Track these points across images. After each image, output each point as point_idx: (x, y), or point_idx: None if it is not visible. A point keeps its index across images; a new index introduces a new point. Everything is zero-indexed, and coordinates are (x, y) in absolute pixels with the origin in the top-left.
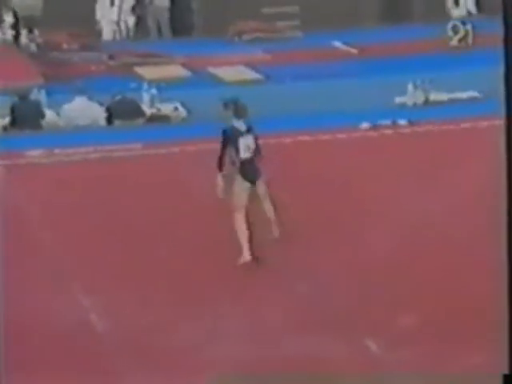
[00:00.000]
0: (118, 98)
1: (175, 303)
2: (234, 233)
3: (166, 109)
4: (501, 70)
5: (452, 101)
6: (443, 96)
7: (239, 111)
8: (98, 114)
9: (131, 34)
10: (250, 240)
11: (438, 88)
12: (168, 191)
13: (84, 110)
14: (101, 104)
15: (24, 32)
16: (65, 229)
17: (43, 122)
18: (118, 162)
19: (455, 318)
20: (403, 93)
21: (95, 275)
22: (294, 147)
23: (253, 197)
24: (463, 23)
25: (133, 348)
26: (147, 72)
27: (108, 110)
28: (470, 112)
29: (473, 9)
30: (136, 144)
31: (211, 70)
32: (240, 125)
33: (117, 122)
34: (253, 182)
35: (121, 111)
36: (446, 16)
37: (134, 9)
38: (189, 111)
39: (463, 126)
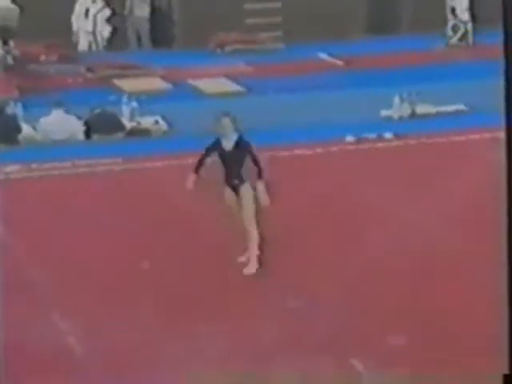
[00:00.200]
0: (97, 111)
1: (158, 323)
2: (219, 246)
3: (147, 122)
4: (488, 82)
5: (439, 114)
6: (430, 109)
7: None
8: (76, 127)
9: (107, 44)
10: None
11: (425, 101)
12: (149, 207)
13: (61, 123)
14: (79, 117)
15: None
16: (42, 246)
17: (20, 137)
18: (97, 177)
19: (448, 338)
20: (389, 106)
21: (75, 296)
22: (276, 161)
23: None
24: (463, 22)
25: (112, 371)
26: (126, 84)
27: (86, 123)
28: (457, 125)
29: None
30: (116, 158)
31: (192, 82)
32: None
33: (95, 136)
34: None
35: (100, 125)
36: (432, 28)
37: (109, 19)
38: (170, 124)
39: (450, 139)
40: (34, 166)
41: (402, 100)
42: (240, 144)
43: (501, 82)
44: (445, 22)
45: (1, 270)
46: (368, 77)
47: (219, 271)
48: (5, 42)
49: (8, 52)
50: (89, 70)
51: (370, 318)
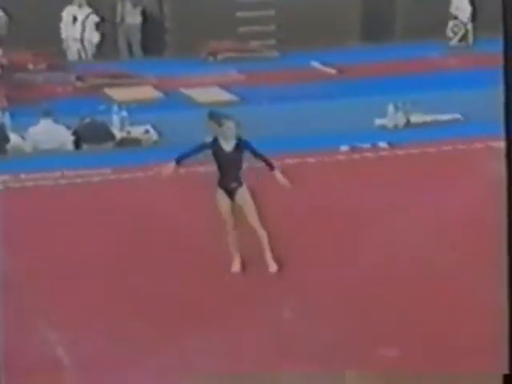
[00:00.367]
0: (86, 120)
1: (148, 334)
2: (212, 257)
3: (137, 132)
4: (484, 91)
5: (434, 123)
6: (425, 118)
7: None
8: (65, 137)
9: (97, 52)
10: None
11: (420, 110)
12: (140, 217)
13: (50, 133)
14: (68, 127)
15: None
16: (30, 256)
17: (8, 147)
18: (86, 188)
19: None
20: (383, 115)
21: (63, 307)
22: (269, 170)
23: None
24: (463, 22)
25: (100, 381)
26: (117, 93)
27: (75, 133)
28: (453, 134)
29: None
30: (105, 169)
31: (184, 91)
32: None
33: (85, 146)
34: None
35: (89, 134)
36: (427, 36)
37: (98, 26)
38: (160, 134)
39: (445, 148)
40: (22, 176)
41: (396, 109)
42: (240, 145)
43: (497, 91)
44: (439, 29)
45: None
46: (361, 85)
47: (212, 283)
48: None
49: None
50: (78, 78)
51: (364, 329)
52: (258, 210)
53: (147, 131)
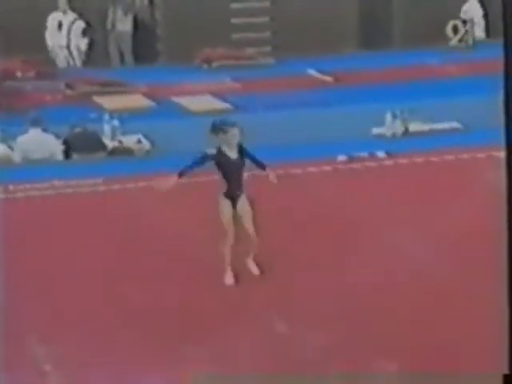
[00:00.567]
0: (77, 129)
1: (140, 348)
2: (205, 269)
3: (129, 141)
4: (483, 99)
5: (433, 132)
6: (423, 126)
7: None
8: (55, 147)
9: (87, 59)
10: None
11: (419, 118)
12: (131, 228)
13: (39, 142)
14: (57, 136)
15: None
16: (18, 268)
17: None
18: (77, 198)
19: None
20: (381, 123)
21: (51, 321)
22: (265, 179)
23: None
24: (463, 22)
25: None
26: (108, 102)
27: (66, 142)
28: (452, 143)
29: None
30: (97, 179)
31: (176, 99)
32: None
33: (76, 156)
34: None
35: (80, 144)
36: (425, 43)
37: (85, 32)
38: (153, 143)
39: (445, 157)
40: (11, 187)
41: (394, 117)
42: (242, 151)
43: (496, 99)
44: (438, 35)
45: None
46: (359, 93)
47: (205, 294)
48: None
49: None
50: (68, 86)
51: (362, 339)
52: (255, 218)
53: (139, 141)
